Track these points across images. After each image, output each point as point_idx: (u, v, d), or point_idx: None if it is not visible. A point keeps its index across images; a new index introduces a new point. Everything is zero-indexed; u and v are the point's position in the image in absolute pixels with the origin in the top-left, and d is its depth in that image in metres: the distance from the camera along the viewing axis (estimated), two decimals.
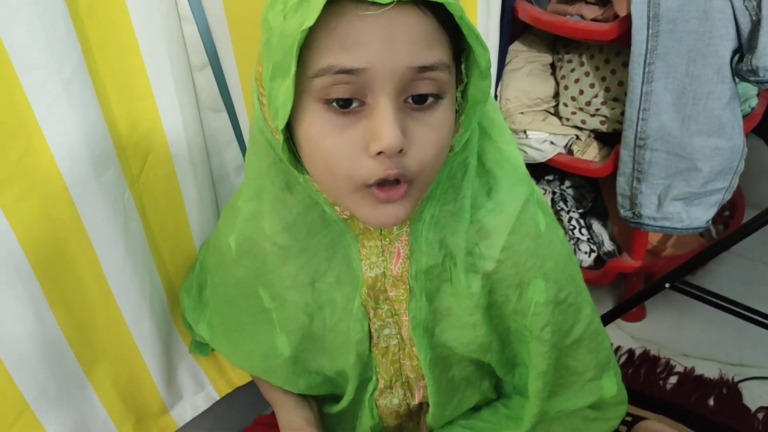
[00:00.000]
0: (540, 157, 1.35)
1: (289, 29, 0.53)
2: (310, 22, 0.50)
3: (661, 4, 1.05)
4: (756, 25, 1.01)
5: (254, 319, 0.81)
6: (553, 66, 1.38)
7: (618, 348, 1.45)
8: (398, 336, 0.75)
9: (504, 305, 0.71)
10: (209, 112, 0.97)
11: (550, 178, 1.56)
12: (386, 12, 0.52)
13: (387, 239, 0.69)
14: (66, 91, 0.77)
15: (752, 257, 1.65)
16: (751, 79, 1.05)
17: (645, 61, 1.09)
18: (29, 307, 0.86)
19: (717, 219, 1.54)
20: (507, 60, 1.34)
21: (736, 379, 1.36)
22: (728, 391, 1.34)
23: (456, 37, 0.58)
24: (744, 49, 1.05)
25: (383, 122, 0.54)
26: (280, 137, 0.58)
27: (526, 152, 1.36)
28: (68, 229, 0.86)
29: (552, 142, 1.34)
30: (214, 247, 0.87)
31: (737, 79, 1.11)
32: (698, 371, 1.38)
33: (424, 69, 0.54)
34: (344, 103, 0.55)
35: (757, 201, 1.51)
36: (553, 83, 1.35)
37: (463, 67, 0.61)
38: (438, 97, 0.57)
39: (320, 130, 0.56)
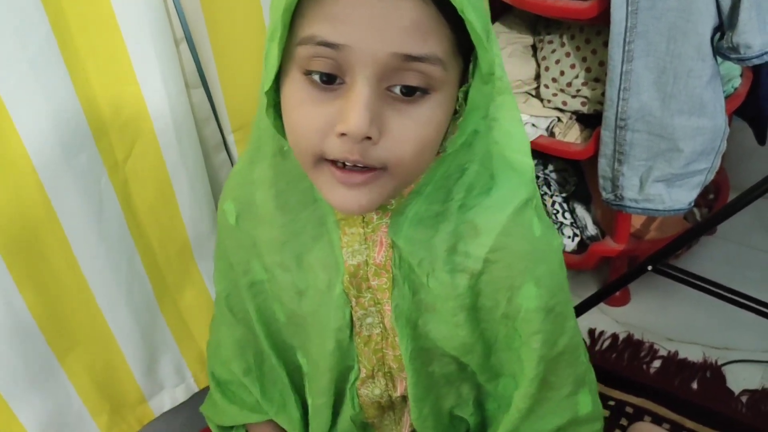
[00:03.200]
0: None
1: None
2: None
3: None
4: (736, 2, 1.00)
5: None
6: (534, 47, 1.36)
7: (602, 332, 1.45)
8: (381, 325, 0.73)
9: (493, 310, 0.68)
10: (188, 89, 0.95)
11: (534, 162, 1.55)
12: None
13: (369, 227, 0.67)
14: (32, 68, 0.75)
15: (736, 241, 1.65)
16: (732, 56, 1.04)
17: (624, 40, 1.08)
18: None
19: (701, 202, 1.54)
20: None
21: (719, 363, 1.35)
22: (712, 374, 1.34)
23: (465, 33, 0.53)
24: (725, 26, 1.04)
25: (353, 105, 0.52)
26: (265, 99, 0.57)
27: None
28: (37, 211, 0.84)
29: (533, 125, 1.33)
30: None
31: (719, 59, 1.10)
32: (682, 355, 1.38)
33: (411, 59, 0.51)
34: (326, 78, 0.53)
35: (742, 184, 1.49)
36: (534, 65, 1.34)
37: (471, 66, 0.57)
38: (425, 91, 0.54)
39: (296, 99, 0.55)
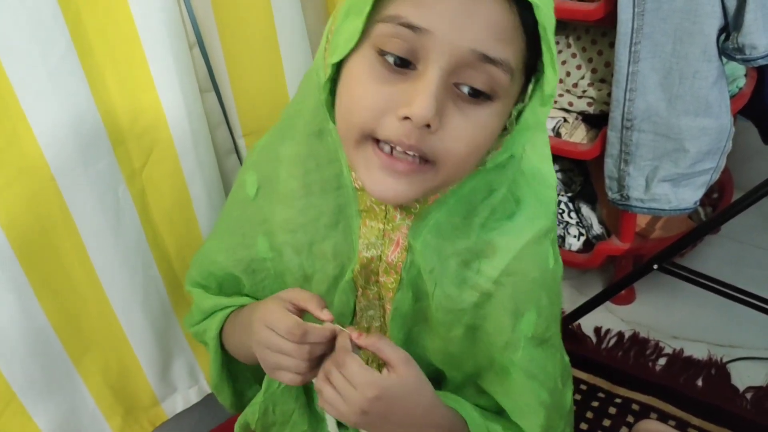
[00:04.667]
0: None
1: None
2: None
3: None
4: (741, 3, 1.01)
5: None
6: None
7: (608, 330, 1.45)
8: (381, 319, 0.74)
9: (496, 336, 0.67)
10: (201, 93, 0.96)
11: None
12: None
13: (390, 225, 0.67)
14: (51, 78, 0.76)
15: (740, 239, 1.66)
16: (738, 57, 1.05)
17: (631, 41, 1.09)
18: (13, 295, 0.85)
19: (706, 201, 1.54)
20: None
21: (724, 360, 1.36)
22: (717, 371, 1.34)
23: (534, 51, 0.55)
24: (730, 27, 1.05)
25: (422, 91, 0.52)
26: (329, 71, 0.57)
27: None
28: (55, 218, 0.85)
29: None
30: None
31: (724, 59, 1.11)
32: (687, 352, 1.39)
33: (487, 59, 0.52)
34: (399, 61, 0.54)
35: (746, 184, 1.50)
36: None
37: (530, 86, 0.58)
38: (489, 97, 0.54)
39: (364, 74, 0.55)
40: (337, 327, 0.63)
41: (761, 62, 1.04)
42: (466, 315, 0.66)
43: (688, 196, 1.22)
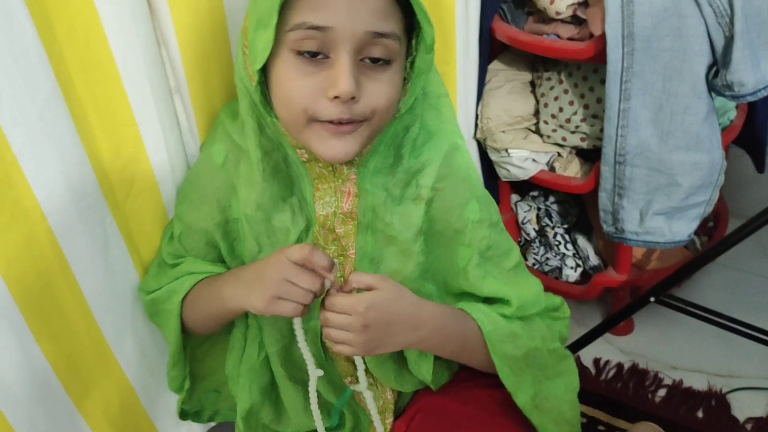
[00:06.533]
0: (523, 175, 1.36)
1: None
2: None
3: (635, 23, 1.06)
4: (729, 41, 1.03)
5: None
6: (533, 83, 1.39)
7: (607, 362, 1.46)
8: (342, 277, 0.84)
9: (446, 231, 0.83)
10: (186, 135, 0.98)
11: (535, 194, 1.57)
12: None
13: (339, 179, 0.81)
14: (40, 119, 0.77)
15: (737, 267, 1.66)
16: (727, 93, 1.07)
17: (621, 79, 1.10)
18: (15, 342, 0.85)
19: (701, 230, 1.55)
20: (487, 79, 1.35)
21: (724, 390, 1.36)
22: (717, 402, 1.34)
23: (409, 15, 0.72)
24: (719, 64, 1.07)
25: (341, 72, 0.68)
26: (255, 77, 0.72)
27: (509, 170, 1.37)
28: (48, 258, 0.85)
29: (534, 160, 1.35)
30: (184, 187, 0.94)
31: (714, 94, 1.12)
32: (687, 383, 1.39)
33: (379, 35, 0.69)
34: (312, 55, 0.69)
35: (741, 211, 1.52)
36: (533, 101, 1.37)
37: (414, 42, 0.75)
38: (388, 61, 0.71)
39: (289, 73, 0.70)
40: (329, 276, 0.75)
41: (750, 98, 1.05)
42: (420, 225, 0.81)
43: (683, 228, 1.23)
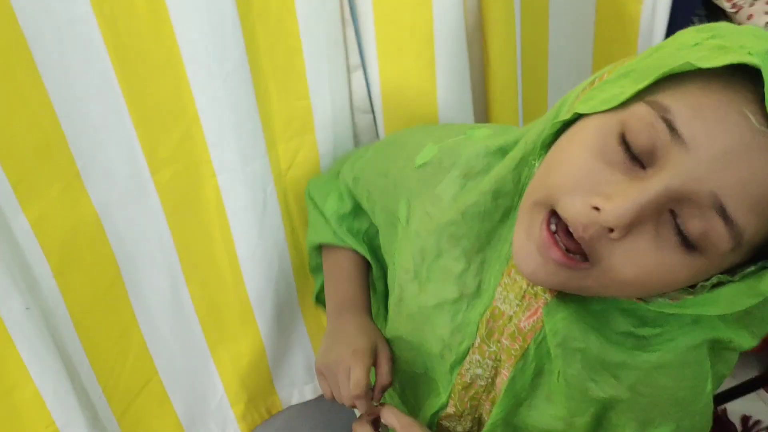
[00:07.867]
0: None
1: (684, 56, 0.45)
2: (706, 64, 0.43)
3: None
4: None
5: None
6: None
7: (757, 422, 1.33)
8: (488, 379, 0.66)
9: (618, 428, 0.61)
10: (358, 113, 0.99)
11: None
12: (762, 140, 0.43)
13: (533, 289, 0.60)
14: (224, 84, 0.82)
15: None
16: None
17: None
18: (166, 280, 0.92)
19: None
20: None
21: None
22: None
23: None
24: None
25: (634, 193, 0.45)
26: (569, 116, 0.51)
27: None
28: (211, 211, 0.91)
29: None
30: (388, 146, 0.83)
31: None
32: None
33: (721, 212, 0.44)
34: (632, 154, 0.46)
35: None
36: None
37: (748, 269, 0.49)
38: (694, 248, 0.46)
39: (591, 141, 0.48)
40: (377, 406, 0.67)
41: None
42: (594, 405, 0.59)
43: None
